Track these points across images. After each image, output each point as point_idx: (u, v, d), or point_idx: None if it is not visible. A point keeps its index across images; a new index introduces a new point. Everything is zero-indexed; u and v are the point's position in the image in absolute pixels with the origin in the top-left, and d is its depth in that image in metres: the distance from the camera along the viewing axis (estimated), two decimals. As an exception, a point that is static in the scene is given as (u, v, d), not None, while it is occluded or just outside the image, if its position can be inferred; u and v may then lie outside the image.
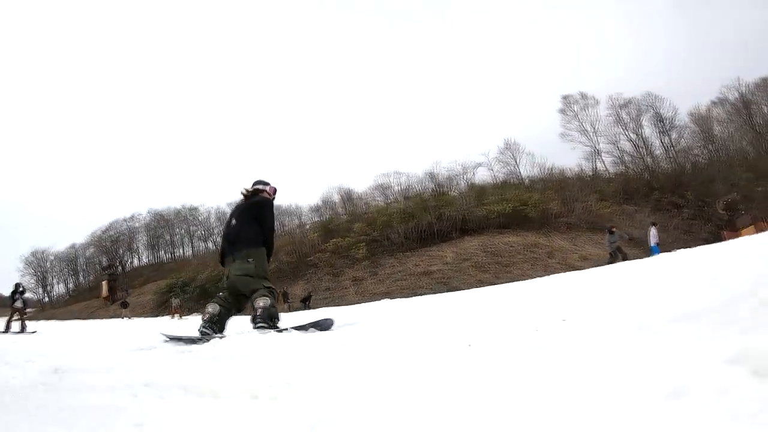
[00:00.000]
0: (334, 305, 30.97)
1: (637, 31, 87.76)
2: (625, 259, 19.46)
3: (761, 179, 40.73)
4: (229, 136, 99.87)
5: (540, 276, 25.91)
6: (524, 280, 22.82)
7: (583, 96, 50.21)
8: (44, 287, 61.37)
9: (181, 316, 32.89)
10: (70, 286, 60.29)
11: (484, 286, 25.65)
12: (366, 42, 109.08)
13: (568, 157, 79.87)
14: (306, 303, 34.15)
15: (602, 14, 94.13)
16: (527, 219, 38.91)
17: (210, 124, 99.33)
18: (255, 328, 4.89)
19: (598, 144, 49.10)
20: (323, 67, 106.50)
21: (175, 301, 36.55)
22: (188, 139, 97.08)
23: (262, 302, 5.07)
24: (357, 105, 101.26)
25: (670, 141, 48.12)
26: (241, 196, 6.03)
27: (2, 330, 15.64)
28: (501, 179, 48.00)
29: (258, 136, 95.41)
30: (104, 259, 57.79)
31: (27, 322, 17.00)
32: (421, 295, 31.70)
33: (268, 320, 4.98)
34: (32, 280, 59.57)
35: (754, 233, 28.84)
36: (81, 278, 59.97)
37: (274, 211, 6.02)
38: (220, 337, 4.55)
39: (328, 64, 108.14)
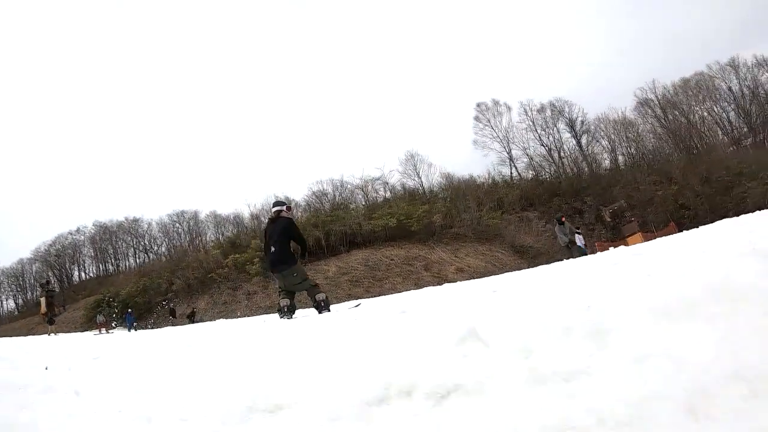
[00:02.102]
0: (224, 318, 33.43)
1: (553, 36, 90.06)
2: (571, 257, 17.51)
3: (664, 184, 41.74)
4: (165, 144, 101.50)
5: (410, 289, 27.86)
6: (392, 293, 24.56)
7: (496, 103, 51.77)
8: (-7, 301, 63.92)
9: (107, 331, 34.62)
10: (19, 302, 62.72)
11: (350, 299, 27.63)
12: (280, 43, 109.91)
13: (481, 165, 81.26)
14: (191, 318, 36.41)
15: (514, 19, 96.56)
16: (412, 232, 40.40)
17: (146, 133, 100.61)
18: (322, 311, 6.93)
19: (509, 150, 50.54)
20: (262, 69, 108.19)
21: (99, 318, 38.74)
22: (129, 148, 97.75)
23: (320, 296, 7.09)
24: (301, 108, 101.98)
25: (580, 146, 49.26)
26: (269, 220, 7.72)
27: None
28: (401, 191, 49.63)
29: (197, 142, 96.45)
30: (49, 274, 60.39)
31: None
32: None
33: (329, 305, 7.15)
34: None
35: (640, 242, 30.00)
36: (29, 294, 61.95)
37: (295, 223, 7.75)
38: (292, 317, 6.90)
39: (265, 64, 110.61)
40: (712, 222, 37.01)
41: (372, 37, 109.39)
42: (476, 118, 52.09)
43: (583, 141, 49.68)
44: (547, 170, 49.87)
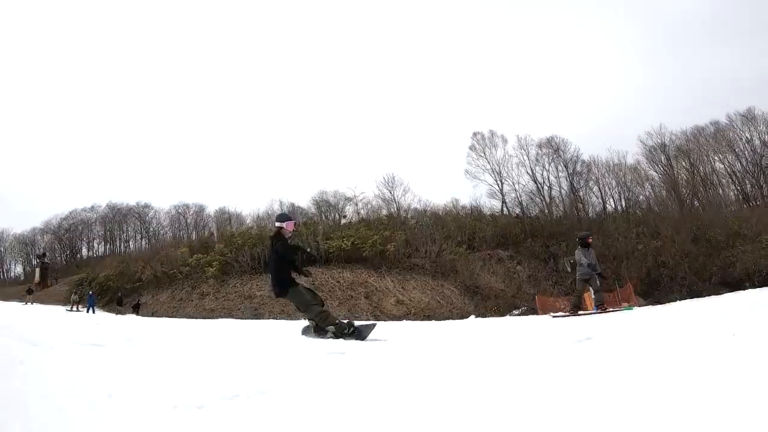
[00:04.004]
0: (171, 317, 34.98)
1: (557, 72, 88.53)
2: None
3: (648, 237, 39.96)
4: (186, 139, 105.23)
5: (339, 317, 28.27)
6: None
7: (493, 134, 50.83)
8: (0, 266, 69.31)
9: (78, 309, 37.18)
10: (27, 269, 66.48)
11: (279, 318, 28.46)
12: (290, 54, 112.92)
13: (470, 195, 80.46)
14: (136, 310, 38.31)
15: (519, 51, 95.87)
16: (364, 257, 40.47)
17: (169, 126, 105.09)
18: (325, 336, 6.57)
19: (501, 183, 49.56)
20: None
21: (74, 297, 41.57)
22: (150, 137, 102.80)
23: (330, 329, 6.58)
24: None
25: (572, 187, 47.68)
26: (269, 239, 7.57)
27: None
28: (369, 213, 49.63)
29: (215, 140, 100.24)
30: (55, 246, 64.59)
31: None
32: (225, 317, 35.23)
33: (336, 334, 6.48)
34: None
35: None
36: (34, 262, 64.70)
37: (290, 242, 7.32)
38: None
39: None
40: (689, 286, 35.26)
41: (377, 57, 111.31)
42: (471, 148, 51.59)
43: (575, 182, 48.04)
44: (534, 208, 48.65)
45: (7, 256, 68.66)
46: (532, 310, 30.60)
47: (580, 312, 12.86)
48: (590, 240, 13.41)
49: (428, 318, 31.17)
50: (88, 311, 35.12)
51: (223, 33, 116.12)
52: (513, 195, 49.95)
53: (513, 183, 49.78)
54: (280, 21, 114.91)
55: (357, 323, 6.86)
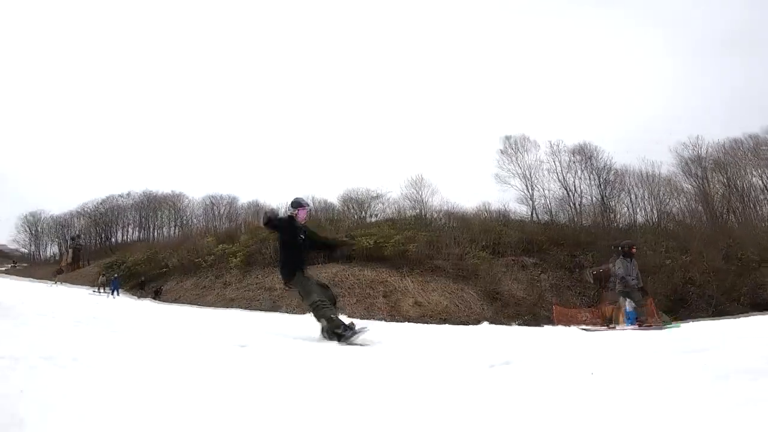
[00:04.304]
0: (193, 304, 35.87)
1: (590, 76, 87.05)
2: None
3: (678, 252, 39.09)
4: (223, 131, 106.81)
5: (354, 315, 28.73)
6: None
7: (524, 138, 50.21)
8: (36, 246, 71.82)
9: (102, 291, 38.44)
10: (62, 250, 68.44)
11: (294, 313, 28.85)
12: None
13: (498, 199, 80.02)
14: (156, 295, 39.29)
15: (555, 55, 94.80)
16: (386, 257, 40.53)
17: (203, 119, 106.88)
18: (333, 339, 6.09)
19: (531, 189, 48.98)
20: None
21: (101, 279, 42.91)
22: (187, 129, 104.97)
23: (320, 324, 6.35)
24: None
25: (602, 196, 46.88)
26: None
27: None
28: (395, 213, 49.70)
29: (250, 135, 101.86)
30: (91, 231, 66.71)
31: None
32: (244, 308, 35.94)
33: (330, 335, 6.09)
34: (26, 238, 70.57)
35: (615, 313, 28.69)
36: (69, 243, 67.11)
37: (295, 227, 6.90)
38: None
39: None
40: (716, 305, 34.31)
41: (410, 59, 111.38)
42: (502, 151, 51.09)
43: (606, 192, 47.21)
44: (563, 216, 47.98)
45: (43, 236, 71.31)
46: (535, 321, 30.21)
47: (615, 326, 12.47)
48: (634, 250, 12.53)
49: (444, 321, 31.04)
50: (111, 294, 36.11)
51: (261, 27, 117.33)
52: (542, 201, 49.34)
53: (543, 189, 49.15)
54: (316, 21, 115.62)
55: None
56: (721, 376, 2.67)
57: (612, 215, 46.65)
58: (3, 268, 59.39)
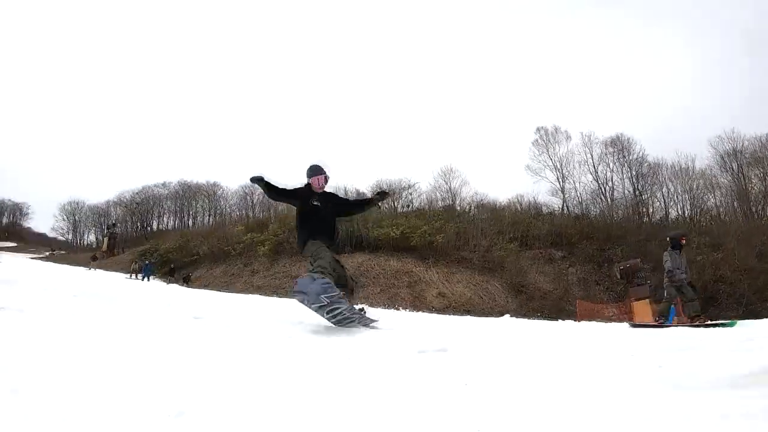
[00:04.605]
0: (221, 290, 36.67)
1: (624, 67, 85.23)
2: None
3: (709, 249, 38.24)
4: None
5: (376, 304, 29.19)
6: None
7: (557, 129, 49.68)
8: (75, 234, 74.12)
9: (136, 277, 39.62)
10: (100, 237, 70.72)
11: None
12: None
13: (530, 191, 78.87)
14: (185, 281, 40.24)
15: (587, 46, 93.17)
16: (412, 247, 40.64)
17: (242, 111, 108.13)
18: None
19: (562, 181, 48.45)
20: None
21: (134, 265, 44.22)
22: (222, 120, 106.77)
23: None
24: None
25: (634, 189, 46.10)
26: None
27: None
28: (426, 204, 49.67)
29: (284, 125, 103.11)
30: (127, 219, 68.69)
31: None
32: (271, 295, 36.52)
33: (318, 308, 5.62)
34: (65, 226, 72.99)
35: (646, 312, 28.25)
36: (105, 231, 69.18)
37: (306, 194, 6.37)
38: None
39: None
40: (746, 305, 33.43)
41: (442, 49, 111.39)
42: (534, 143, 50.60)
43: (639, 185, 46.37)
44: (595, 209, 47.35)
45: (81, 224, 73.73)
46: (559, 315, 29.79)
47: (666, 323, 11.31)
48: (683, 240, 11.68)
49: (467, 313, 31.00)
50: (143, 279, 37.19)
51: (298, 19, 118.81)
52: (573, 194, 48.76)
53: (574, 181, 48.58)
54: (353, 12, 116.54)
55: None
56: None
57: (644, 209, 45.80)
58: (42, 255, 61.36)
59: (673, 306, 14.39)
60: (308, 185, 6.40)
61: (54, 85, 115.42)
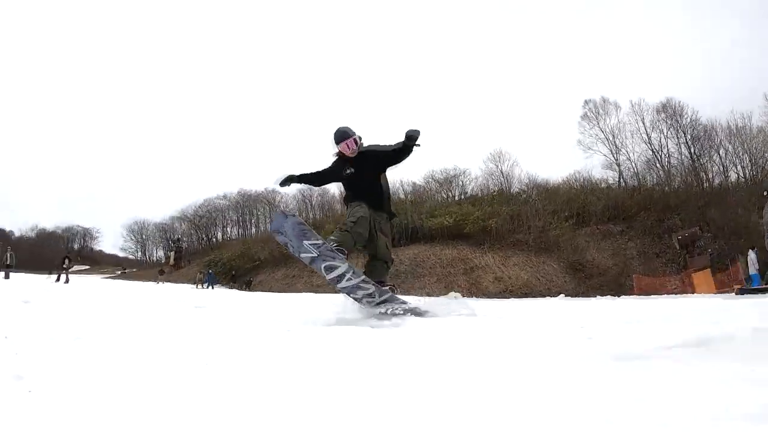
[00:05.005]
0: (282, 292, 38.03)
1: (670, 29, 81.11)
2: None
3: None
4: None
5: (432, 293, 29.79)
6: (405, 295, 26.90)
7: (605, 101, 48.62)
8: (143, 251, 77.57)
9: (201, 286, 41.60)
10: (166, 253, 73.60)
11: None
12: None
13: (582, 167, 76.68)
14: (247, 286, 41.88)
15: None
16: (466, 234, 40.85)
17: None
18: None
19: (616, 153, 47.46)
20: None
21: (198, 275, 46.36)
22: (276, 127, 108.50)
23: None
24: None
25: (691, 155, 44.73)
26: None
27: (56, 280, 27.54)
28: (478, 190, 49.59)
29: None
30: (191, 233, 71.53)
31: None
32: (329, 292, 37.28)
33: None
34: (132, 245, 76.56)
35: (707, 283, 27.79)
36: (170, 246, 72.88)
37: (338, 166, 5.81)
38: None
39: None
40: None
41: (481, 32, 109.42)
42: (583, 117, 49.56)
43: (694, 149, 44.94)
44: (651, 179, 46.18)
45: (148, 242, 77.38)
46: (621, 292, 29.17)
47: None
48: None
49: (525, 296, 31.07)
50: (206, 287, 38.81)
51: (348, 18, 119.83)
52: (628, 166, 47.61)
53: (628, 152, 47.42)
54: (394, 7, 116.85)
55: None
56: None
57: (702, 174, 44.35)
58: (113, 274, 64.67)
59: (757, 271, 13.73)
60: (339, 153, 5.72)
61: (110, 117, 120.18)
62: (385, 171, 5.80)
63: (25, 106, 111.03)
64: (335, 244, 5.00)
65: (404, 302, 5.26)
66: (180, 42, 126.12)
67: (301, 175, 5.80)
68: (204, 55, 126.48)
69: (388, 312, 4.99)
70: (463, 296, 28.36)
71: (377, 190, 5.64)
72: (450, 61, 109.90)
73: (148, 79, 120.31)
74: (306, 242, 4.94)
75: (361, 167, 5.60)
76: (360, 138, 5.60)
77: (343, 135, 5.56)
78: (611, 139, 47.93)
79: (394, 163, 5.57)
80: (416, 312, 5.10)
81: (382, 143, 5.67)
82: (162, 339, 3.09)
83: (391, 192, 5.92)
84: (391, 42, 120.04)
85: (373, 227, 5.44)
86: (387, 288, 5.33)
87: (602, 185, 47.52)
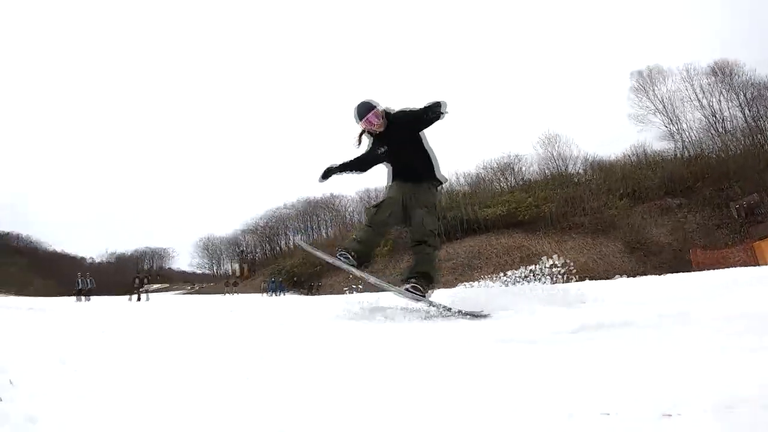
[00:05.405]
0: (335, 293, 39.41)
1: None
2: None
3: None
4: None
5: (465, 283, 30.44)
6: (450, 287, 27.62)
7: (653, 70, 47.28)
8: (214, 266, 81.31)
9: (269, 295, 43.50)
10: (234, 265, 76.62)
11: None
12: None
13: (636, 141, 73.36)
14: (311, 290, 43.38)
15: None
16: (520, 221, 40.99)
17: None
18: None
19: (668, 124, 46.28)
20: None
21: (263, 285, 48.46)
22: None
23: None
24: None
25: (745, 116, 43.17)
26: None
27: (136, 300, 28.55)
28: (537, 175, 49.30)
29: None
30: (259, 242, 74.59)
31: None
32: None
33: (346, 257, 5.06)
34: (203, 261, 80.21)
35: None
36: (237, 258, 76.36)
37: (371, 146, 5.44)
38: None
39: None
40: None
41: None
42: (632, 89, 48.44)
43: (751, 110, 43.25)
44: (709, 147, 44.85)
45: (219, 256, 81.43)
46: (681, 268, 28.44)
47: None
48: None
49: (583, 279, 30.92)
50: (272, 295, 40.33)
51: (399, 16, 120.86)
52: (684, 135, 46.40)
53: (681, 121, 46.13)
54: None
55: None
56: None
57: (761, 136, 42.73)
58: (186, 290, 68.15)
59: None
60: (367, 130, 5.26)
61: (173, 148, 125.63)
62: (418, 133, 5.19)
63: (98, 141, 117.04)
64: (340, 250, 5.01)
65: (440, 305, 4.53)
66: (234, 60, 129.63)
67: (341, 165, 5.52)
68: (243, 65, 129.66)
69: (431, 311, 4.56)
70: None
71: (414, 162, 5.21)
72: (490, 47, 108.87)
73: (204, 107, 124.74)
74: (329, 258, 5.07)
75: (393, 139, 5.22)
76: (381, 110, 5.11)
77: (362, 110, 5.12)
78: (662, 108, 46.76)
79: (425, 122, 4.96)
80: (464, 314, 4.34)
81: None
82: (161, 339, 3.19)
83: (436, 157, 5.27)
84: (435, 31, 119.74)
85: (407, 204, 5.07)
86: (413, 291, 4.77)
87: (657, 158, 46.43)
